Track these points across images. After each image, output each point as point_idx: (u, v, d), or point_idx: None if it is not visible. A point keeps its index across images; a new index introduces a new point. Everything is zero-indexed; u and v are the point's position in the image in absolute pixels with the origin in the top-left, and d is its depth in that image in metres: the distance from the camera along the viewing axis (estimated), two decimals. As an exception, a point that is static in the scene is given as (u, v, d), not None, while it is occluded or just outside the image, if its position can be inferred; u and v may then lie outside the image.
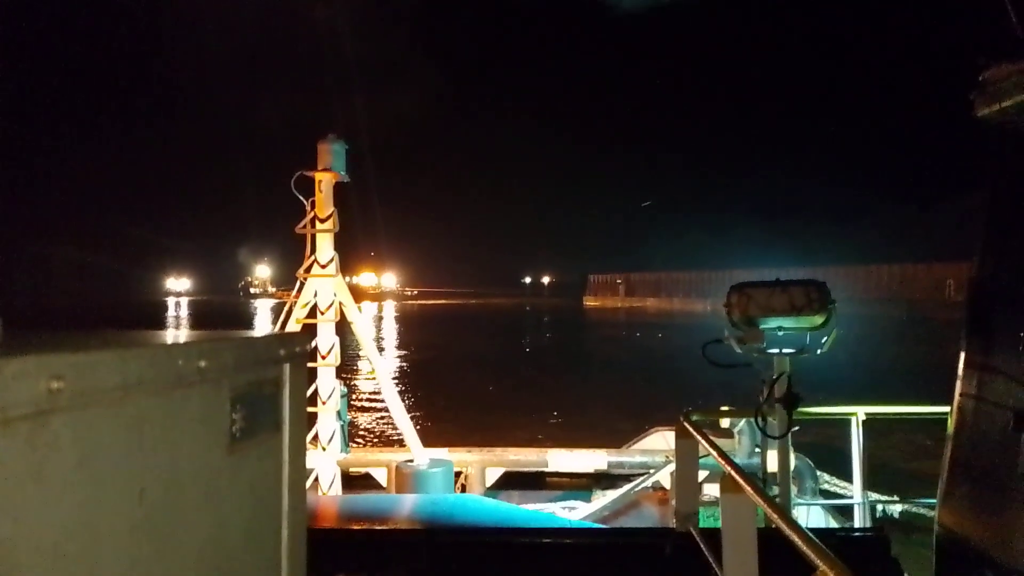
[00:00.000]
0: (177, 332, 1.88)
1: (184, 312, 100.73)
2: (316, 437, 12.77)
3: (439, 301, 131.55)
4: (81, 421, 1.09)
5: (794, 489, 6.50)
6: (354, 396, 14.42)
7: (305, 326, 12.89)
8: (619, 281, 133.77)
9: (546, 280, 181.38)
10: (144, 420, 1.26)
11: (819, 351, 5.46)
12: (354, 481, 14.13)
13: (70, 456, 1.07)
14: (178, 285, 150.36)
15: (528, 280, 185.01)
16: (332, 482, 12.89)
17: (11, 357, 0.95)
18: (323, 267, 13.00)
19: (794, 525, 2.41)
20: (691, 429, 4.69)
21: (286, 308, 13.20)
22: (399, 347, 57.58)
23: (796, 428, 5.42)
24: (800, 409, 5.49)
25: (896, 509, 6.52)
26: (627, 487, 12.86)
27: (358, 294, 16.73)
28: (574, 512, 12.35)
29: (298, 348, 2.06)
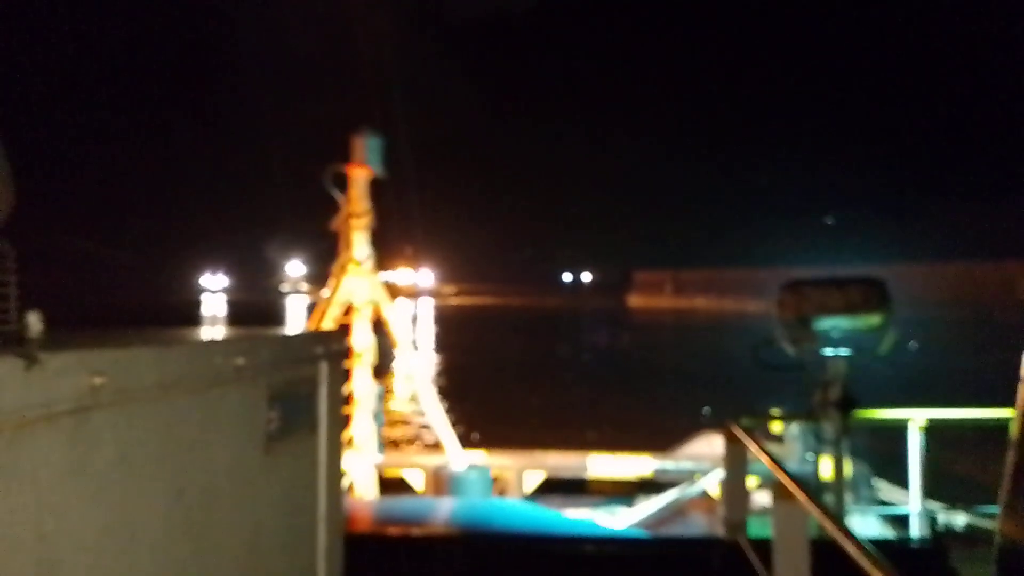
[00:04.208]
0: (214, 330, 1.93)
1: (220, 310, 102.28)
2: (351, 439, 12.89)
3: (477, 301, 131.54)
4: (121, 418, 1.12)
5: (849, 497, 6.40)
6: (390, 397, 14.57)
7: (340, 325, 13.00)
8: (667, 279, 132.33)
9: (587, 277, 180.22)
10: (182, 418, 1.30)
11: (877, 353, 5.34)
12: (390, 484, 14.24)
13: (110, 453, 1.10)
14: (213, 282, 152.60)
15: (568, 278, 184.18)
16: (368, 485, 13.01)
17: (54, 352, 0.98)
18: (358, 264, 13.12)
19: (849, 535, 2.38)
20: (740, 434, 4.65)
21: (321, 306, 13.35)
22: (436, 348, 57.82)
23: (851, 433, 5.34)
24: (856, 413, 5.39)
25: (956, 519, 6.40)
26: (672, 494, 12.77)
27: (394, 291, 16.80)
28: (616, 519, 12.30)
29: (335, 347, 2.10)
